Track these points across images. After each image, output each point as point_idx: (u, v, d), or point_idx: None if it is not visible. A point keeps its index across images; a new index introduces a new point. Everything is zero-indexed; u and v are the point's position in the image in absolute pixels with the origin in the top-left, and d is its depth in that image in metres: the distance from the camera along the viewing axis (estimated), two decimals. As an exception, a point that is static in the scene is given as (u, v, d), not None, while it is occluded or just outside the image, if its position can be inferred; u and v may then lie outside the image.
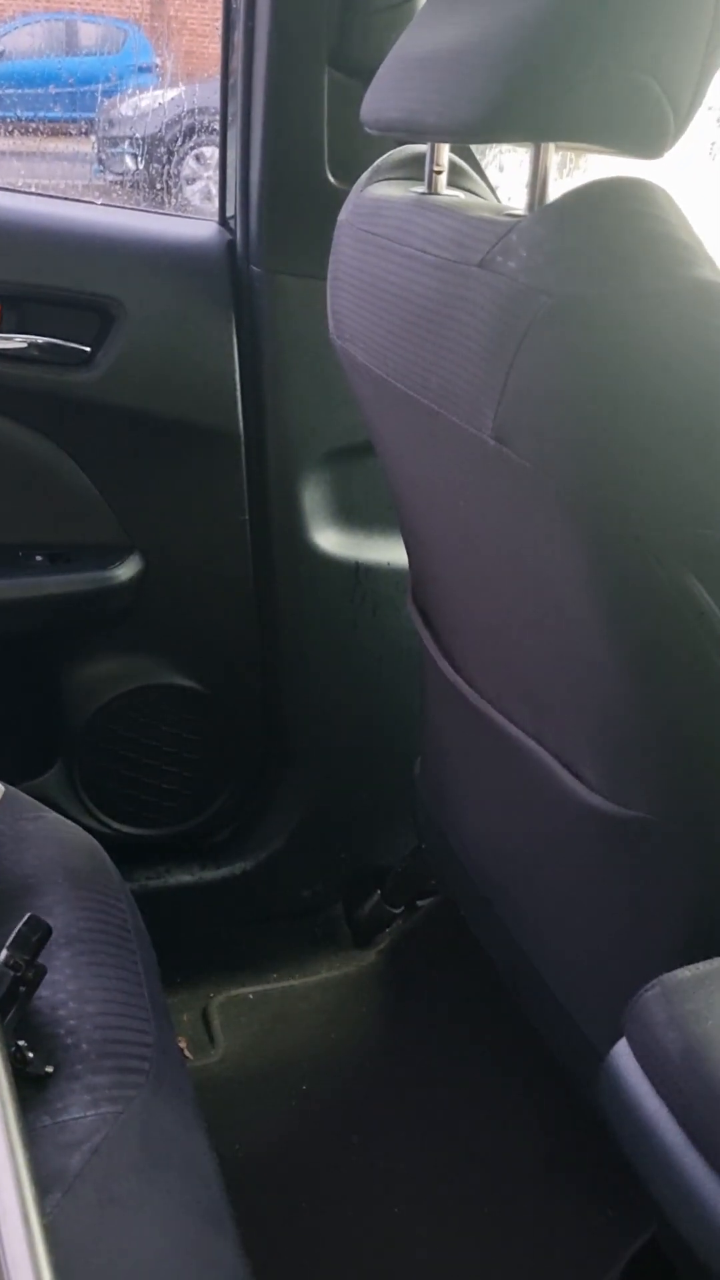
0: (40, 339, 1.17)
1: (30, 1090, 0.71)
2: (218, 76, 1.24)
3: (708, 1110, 0.64)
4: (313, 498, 1.27)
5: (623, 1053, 0.70)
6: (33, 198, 1.28)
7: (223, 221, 1.27)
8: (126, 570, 1.27)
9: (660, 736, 0.76)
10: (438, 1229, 1.13)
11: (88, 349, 1.18)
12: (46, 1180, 0.65)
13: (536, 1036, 1.06)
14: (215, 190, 1.32)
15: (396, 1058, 1.32)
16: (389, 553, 1.30)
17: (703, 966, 0.71)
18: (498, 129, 0.66)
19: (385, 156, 0.92)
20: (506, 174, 1.19)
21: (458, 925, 1.22)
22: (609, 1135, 0.74)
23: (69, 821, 1.00)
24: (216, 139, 1.29)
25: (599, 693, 0.78)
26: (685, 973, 0.70)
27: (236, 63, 1.18)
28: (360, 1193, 1.16)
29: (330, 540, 1.29)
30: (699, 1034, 0.65)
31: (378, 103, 0.79)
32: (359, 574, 1.30)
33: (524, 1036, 1.12)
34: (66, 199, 1.28)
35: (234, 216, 1.24)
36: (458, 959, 1.41)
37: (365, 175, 0.92)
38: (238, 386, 1.22)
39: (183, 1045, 1.31)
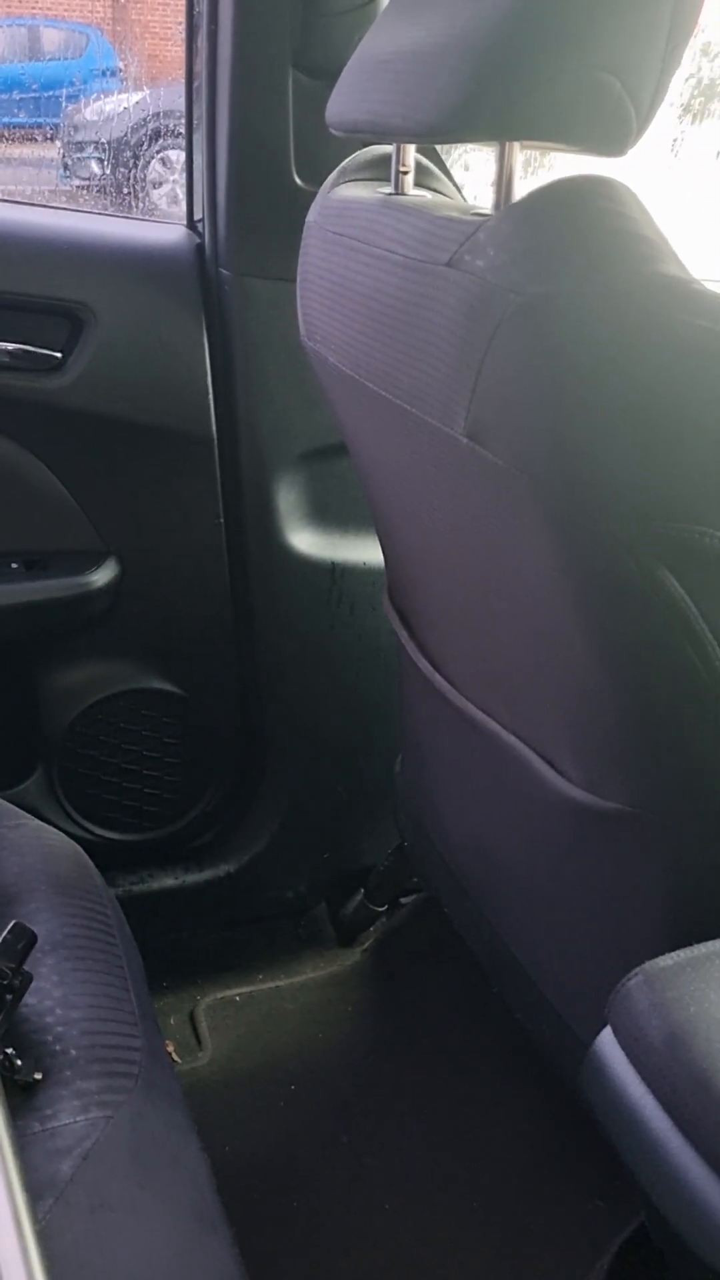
0: (10, 345, 1.16)
1: (19, 1097, 0.71)
2: (182, 80, 1.24)
3: (693, 1096, 0.64)
4: (287, 499, 1.27)
5: (607, 1041, 0.71)
6: (1, 205, 1.28)
7: (191, 225, 1.27)
8: (103, 575, 1.27)
9: (636, 728, 0.77)
10: (429, 1224, 1.14)
11: (58, 355, 1.18)
12: (38, 1187, 0.65)
13: (522, 1030, 1.07)
14: (181, 194, 1.32)
15: (384, 1055, 1.33)
16: (365, 553, 1.31)
17: (684, 954, 0.72)
18: (462, 129, 0.67)
19: (351, 158, 0.92)
20: (472, 173, 1.20)
21: (441, 922, 1.22)
22: (596, 1125, 0.75)
23: (51, 828, 1.00)
24: (182, 143, 1.29)
25: (575, 686, 0.78)
26: (667, 960, 0.70)
27: (200, 66, 1.18)
28: (351, 1190, 1.16)
29: (306, 541, 1.29)
30: (682, 1020, 0.66)
31: (342, 105, 0.80)
32: (335, 574, 1.30)
33: (510, 1030, 1.13)
34: (33, 204, 1.28)
35: (202, 220, 1.24)
36: (442, 955, 1.42)
37: (332, 177, 0.92)
38: (210, 390, 1.22)
39: (170, 1049, 1.31)
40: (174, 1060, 1.30)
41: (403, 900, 1.49)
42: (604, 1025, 0.73)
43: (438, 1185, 1.17)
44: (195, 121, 1.23)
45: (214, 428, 1.24)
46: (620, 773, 0.79)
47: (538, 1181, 1.17)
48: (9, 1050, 0.72)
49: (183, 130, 1.28)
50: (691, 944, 0.74)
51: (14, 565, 1.26)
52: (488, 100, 0.65)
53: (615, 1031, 0.70)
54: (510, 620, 0.83)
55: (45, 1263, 0.55)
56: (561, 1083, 0.95)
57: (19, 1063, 0.72)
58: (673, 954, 0.71)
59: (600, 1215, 1.11)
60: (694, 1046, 0.65)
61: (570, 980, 0.93)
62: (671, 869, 0.81)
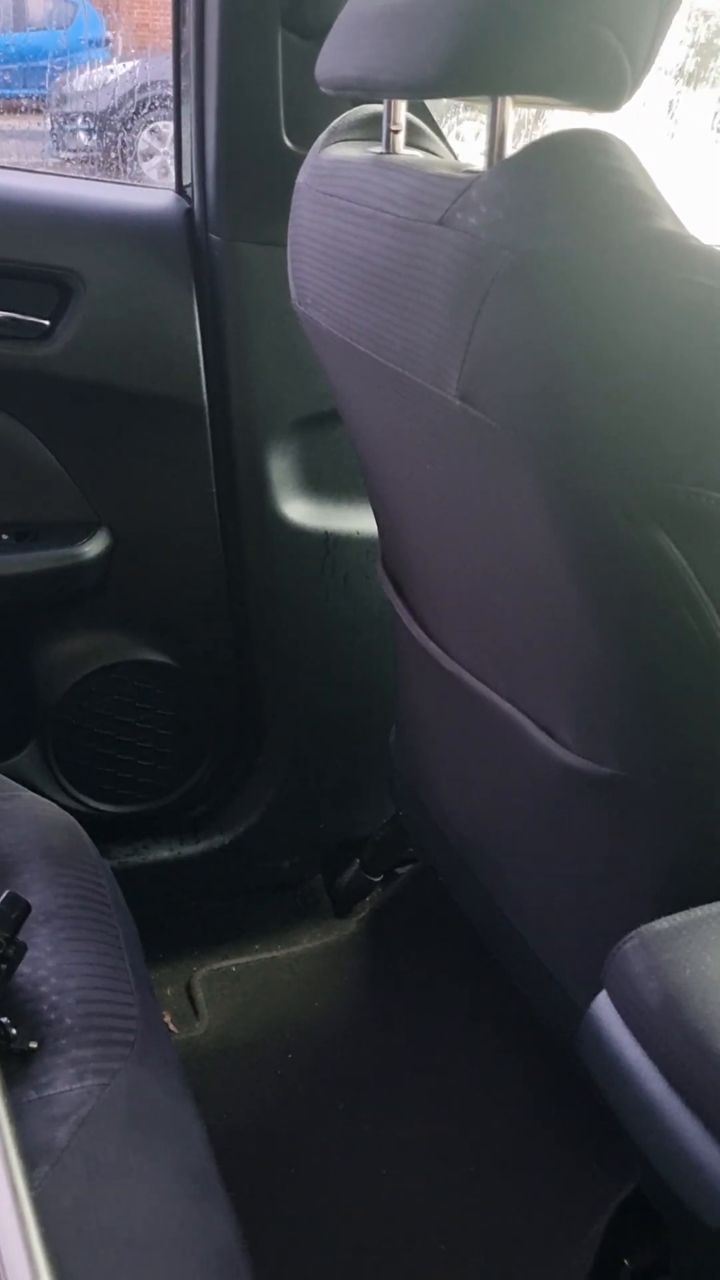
0: (-3, 313, 1.15)
1: (15, 1066, 0.71)
2: (170, 50, 1.22)
3: (688, 1057, 0.64)
4: (280, 468, 1.26)
5: (603, 1004, 0.71)
6: (-15, 170, 1.26)
7: (180, 190, 1.26)
8: (94, 546, 1.26)
9: (632, 693, 0.76)
10: (426, 1190, 1.14)
11: (46, 322, 1.16)
12: (34, 1154, 0.65)
13: (518, 997, 1.07)
14: (172, 165, 1.30)
15: (380, 1024, 1.33)
16: (358, 521, 1.30)
17: (679, 917, 0.72)
18: (454, 84, 0.66)
19: (342, 118, 0.91)
20: (465, 144, 1.19)
21: (437, 892, 1.22)
22: (592, 1089, 0.75)
23: (45, 800, 0.99)
24: (171, 113, 1.27)
25: (571, 651, 0.78)
26: (663, 924, 0.70)
27: (189, 34, 1.16)
28: (348, 1157, 1.17)
29: (299, 510, 1.28)
30: (677, 983, 0.66)
31: (332, 62, 0.78)
32: (329, 544, 1.29)
33: (506, 998, 1.13)
34: (20, 169, 1.26)
35: (191, 185, 1.22)
36: (438, 925, 1.42)
37: (322, 137, 0.91)
38: (200, 357, 1.21)
39: (167, 1019, 1.32)
40: (171, 1030, 1.30)
41: (398, 870, 1.49)
42: (600, 989, 0.73)
43: (434, 1151, 1.18)
44: (183, 90, 1.21)
45: (205, 396, 1.23)
46: (616, 738, 0.79)
47: (534, 1146, 1.18)
48: (4, 1019, 0.72)
49: (172, 100, 1.26)
50: (687, 908, 0.74)
51: (4, 536, 1.25)
52: (480, 54, 0.64)
53: (611, 995, 0.71)
54: (505, 586, 0.83)
55: (42, 1228, 0.55)
56: (557, 1048, 0.95)
57: (14, 1031, 0.72)
58: (668, 918, 0.71)
59: (597, 1179, 1.12)
60: (690, 1008, 0.65)
61: (566, 945, 0.93)
62: (667, 834, 0.81)
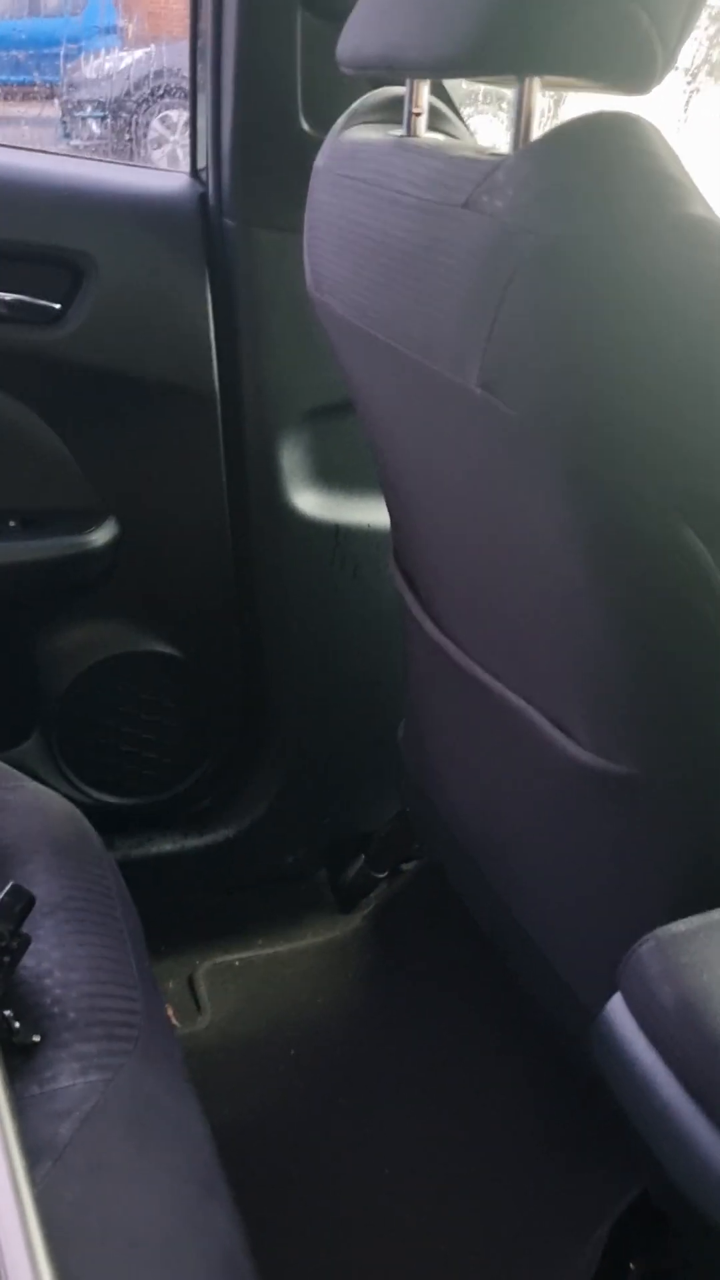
0: (8, 296, 1.13)
1: (18, 1060, 0.70)
2: (183, 38, 1.21)
3: (704, 1062, 0.63)
4: (291, 459, 1.25)
5: (617, 1007, 0.70)
6: (-3, 150, 1.25)
7: (194, 173, 1.24)
8: (101, 535, 1.25)
9: (649, 690, 0.75)
10: (428, 1188, 1.13)
11: (57, 306, 1.15)
12: (36, 1150, 0.64)
13: (523, 996, 1.06)
14: (182, 154, 1.28)
15: (383, 1020, 1.32)
16: (369, 514, 1.28)
17: (696, 920, 0.70)
18: (481, 62, 0.64)
19: (362, 100, 0.89)
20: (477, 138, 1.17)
21: (442, 888, 1.21)
22: (600, 1091, 0.74)
23: (50, 790, 0.98)
24: (182, 102, 1.26)
25: (587, 647, 0.77)
26: (679, 926, 0.69)
27: (206, 22, 1.14)
28: (350, 1154, 1.16)
29: (309, 502, 1.27)
30: (694, 987, 0.65)
31: (354, 40, 0.77)
32: (339, 535, 1.28)
33: (511, 997, 1.12)
34: (32, 150, 1.25)
35: (205, 168, 1.21)
36: (443, 922, 1.41)
37: (341, 120, 0.90)
38: (212, 344, 1.20)
39: (170, 1013, 1.31)
40: (173, 1024, 1.29)
41: (404, 867, 1.48)
42: (612, 991, 0.72)
43: (437, 1149, 1.17)
44: (199, 71, 1.20)
45: (216, 384, 1.21)
46: (631, 736, 0.78)
47: (538, 1146, 1.17)
48: (7, 1013, 0.71)
49: (184, 89, 1.24)
50: (702, 910, 0.72)
51: (11, 524, 1.24)
52: (508, 32, 0.63)
53: (626, 997, 0.69)
54: (520, 579, 0.81)
55: (43, 1225, 0.54)
56: (561, 1049, 0.94)
57: (17, 1025, 0.71)
58: (685, 920, 0.70)
59: (601, 1182, 1.11)
60: (707, 1012, 0.64)
61: (576, 946, 0.92)
62: (681, 834, 0.79)
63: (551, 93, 0.74)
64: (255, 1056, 1.27)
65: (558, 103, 0.91)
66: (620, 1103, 0.70)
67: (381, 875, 1.46)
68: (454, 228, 0.68)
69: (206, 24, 1.14)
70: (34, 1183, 0.57)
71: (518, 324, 0.63)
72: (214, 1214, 0.67)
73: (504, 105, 0.76)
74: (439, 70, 0.68)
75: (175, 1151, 0.70)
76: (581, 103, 0.71)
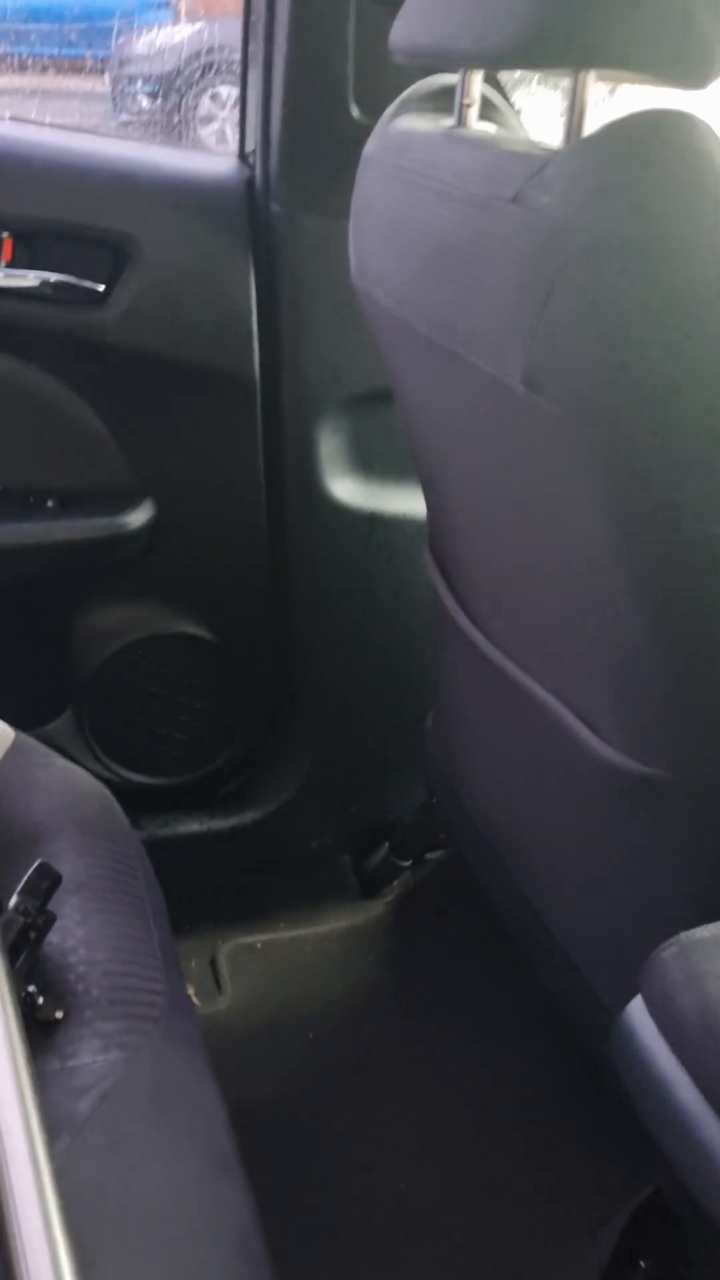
0: (53, 276, 1.14)
1: (40, 1035, 0.71)
2: (236, 15, 1.20)
3: (723, 1069, 0.63)
4: (329, 446, 1.25)
5: (638, 1010, 0.70)
6: (45, 130, 1.25)
7: (242, 157, 1.24)
8: (138, 517, 1.25)
9: (683, 694, 0.75)
10: (439, 1178, 1.14)
11: (101, 288, 1.15)
12: (56, 1124, 0.65)
13: (541, 991, 1.06)
14: (230, 131, 1.28)
15: (402, 1007, 1.33)
16: (405, 504, 1.28)
17: (720, 926, 0.70)
18: (535, 55, 0.64)
19: (413, 88, 0.89)
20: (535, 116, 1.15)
21: (466, 880, 1.21)
22: (615, 1090, 0.74)
23: (78, 768, 0.99)
24: (232, 78, 1.25)
25: (620, 646, 0.76)
26: (704, 932, 0.69)
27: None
28: (365, 1139, 1.17)
29: (346, 489, 1.27)
30: (716, 994, 0.65)
31: (408, 28, 0.76)
32: (374, 524, 1.28)
33: (528, 991, 1.12)
34: (80, 131, 1.25)
35: (254, 152, 1.20)
36: (464, 913, 1.41)
37: (392, 107, 0.89)
38: (254, 329, 1.20)
39: (191, 992, 1.32)
40: (195, 1004, 1.30)
41: (428, 856, 1.49)
42: (633, 993, 0.72)
43: (450, 1139, 1.18)
44: (251, 55, 1.19)
45: (257, 369, 1.21)
46: (662, 738, 0.77)
47: (551, 1140, 1.17)
48: (31, 988, 0.72)
49: (235, 66, 1.24)
50: None
51: (49, 503, 1.24)
52: (563, 24, 0.62)
53: (647, 1001, 0.69)
54: (556, 578, 0.81)
55: (60, 1199, 0.55)
56: (579, 1045, 0.94)
57: (41, 1001, 0.72)
58: (709, 926, 0.70)
59: (613, 1178, 1.11)
60: (728, 1021, 0.64)
61: (598, 946, 0.92)
62: (709, 838, 0.79)
63: (607, 83, 0.73)
64: (273, 1038, 1.28)
65: (612, 91, 0.90)
66: (636, 1105, 0.70)
67: (405, 864, 1.47)
68: (501, 223, 0.67)
69: (260, 7, 1.14)
70: (53, 1157, 0.58)
71: (563, 323, 0.63)
72: (228, 1192, 0.68)
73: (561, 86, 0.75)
74: (492, 62, 0.67)
75: (192, 1130, 0.70)
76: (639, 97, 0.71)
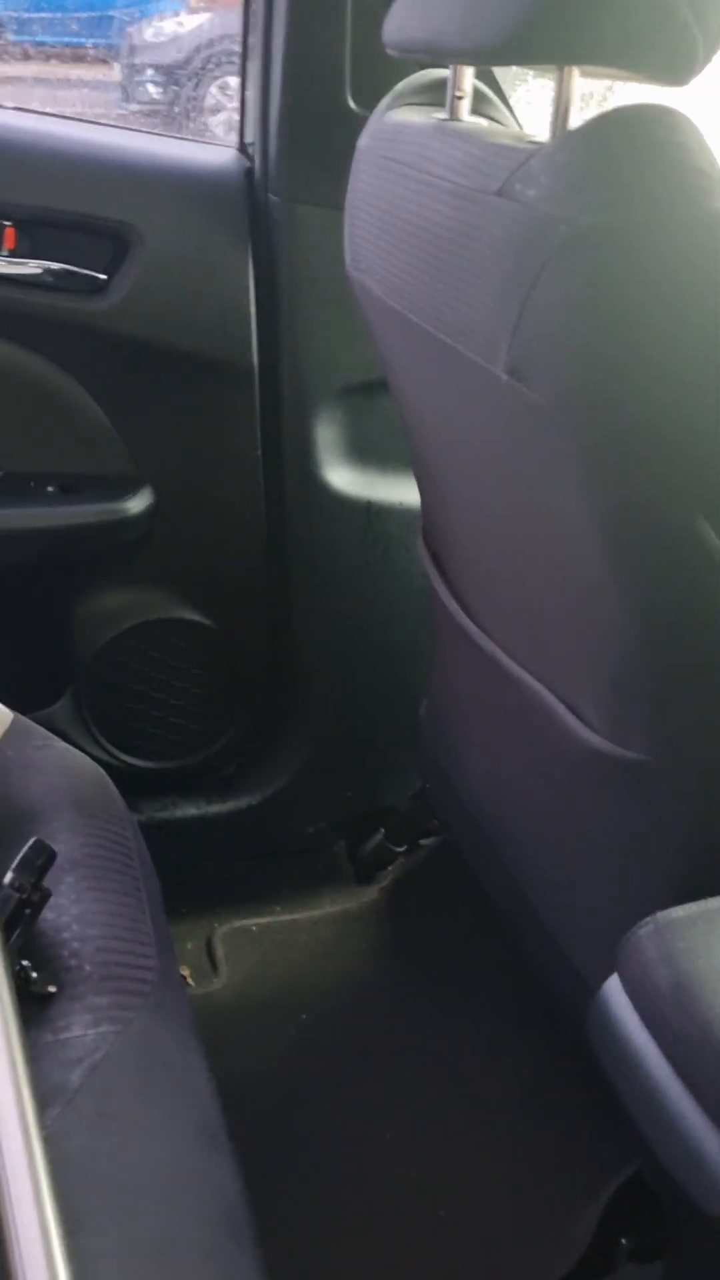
0: (54, 265, 1.15)
1: (33, 1009, 0.72)
2: (240, 5, 1.21)
3: (695, 1045, 0.64)
4: (326, 435, 1.26)
5: (614, 988, 0.71)
6: (47, 119, 1.26)
7: (241, 148, 1.25)
8: (137, 503, 1.26)
9: (664, 680, 0.76)
10: (426, 1157, 1.16)
11: (102, 276, 1.17)
12: (47, 1094, 0.67)
13: (530, 974, 1.07)
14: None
15: (394, 990, 1.34)
16: (401, 493, 1.29)
17: (696, 906, 0.71)
18: (521, 51, 0.65)
19: (407, 81, 0.90)
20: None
21: (458, 865, 1.23)
22: (597, 1069, 0.75)
23: (76, 750, 1.00)
24: (238, 70, 1.26)
25: (604, 635, 0.77)
26: (679, 911, 0.70)
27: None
28: (353, 1118, 1.19)
29: (343, 478, 1.28)
30: (689, 971, 0.66)
31: (400, 23, 0.77)
32: (370, 513, 1.29)
33: (518, 973, 1.14)
34: (82, 120, 1.26)
35: (253, 143, 1.21)
36: (457, 898, 1.43)
37: (386, 100, 0.90)
38: (253, 319, 1.21)
39: (186, 973, 1.34)
40: (189, 984, 1.32)
41: (422, 842, 1.50)
42: (612, 972, 0.73)
43: (438, 1119, 1.19)
44: (250, 47, 1.20)
45: (255, 358, 1.22)
46: (644, 723, 0.79)
47: (538, 1121, 1.19)
48: (25, 963, 0.73)
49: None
50: (705, 897, 0.73)
51: (49, 489, 1.26)
52: (548, 22, 0.63)
53: (623, 979, 0.71)
54: (542, 565, 0.82)
55: (50, 1167, 0.57)
56: (565, 1026, 0.95)
57: (35, 975, 0.73)
58: (685, 905, 0.71)
59: (599, 1157, 1.13)
60: (700, 998, 0.65)
61: (582, 927, 0.93)
62: (689, 821, 0.80)
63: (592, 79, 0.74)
64: (267, 1019, 1.29)
65: (609, 89, 0.91)
66: (613, 1081, 0.72)
67: (400, 850, 1.48)
68: (488, 215, 0.68)
69: (258, 4, 1.15)
70: (43, 1126, 0.59)
71: (546, 313, 0.64)
72: (215, 1164, 0.69)
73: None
74: (480, 57, 0.68)
75: (181, 1103, 0.72)
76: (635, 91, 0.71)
